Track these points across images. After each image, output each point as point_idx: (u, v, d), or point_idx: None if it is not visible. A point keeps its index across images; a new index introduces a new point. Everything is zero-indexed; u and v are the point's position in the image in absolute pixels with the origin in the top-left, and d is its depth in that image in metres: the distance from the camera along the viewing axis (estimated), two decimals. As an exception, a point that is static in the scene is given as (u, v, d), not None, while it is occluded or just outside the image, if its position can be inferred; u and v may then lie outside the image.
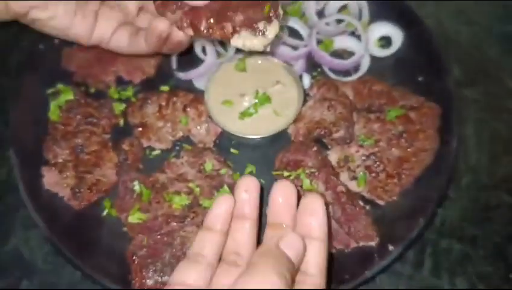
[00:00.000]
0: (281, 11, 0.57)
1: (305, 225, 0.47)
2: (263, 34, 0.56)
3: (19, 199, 0.63)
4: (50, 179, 0.64)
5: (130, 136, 0.68)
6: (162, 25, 0.58)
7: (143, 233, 0.60)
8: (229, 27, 0.56)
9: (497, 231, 0.66)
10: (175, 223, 0.60)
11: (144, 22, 0.64)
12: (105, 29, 0.61)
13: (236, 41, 0.57)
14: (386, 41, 0.78)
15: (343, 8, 0.80)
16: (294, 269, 0.44)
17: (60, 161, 0.65)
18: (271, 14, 0.56)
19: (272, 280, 0.40)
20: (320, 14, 0.79)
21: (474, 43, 0.83)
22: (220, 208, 0.49)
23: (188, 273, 0.46)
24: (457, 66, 0.80)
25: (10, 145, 0.64)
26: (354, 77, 0.74)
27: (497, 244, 0.65)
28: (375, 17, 0.78)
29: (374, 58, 0.76)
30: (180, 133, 0.68)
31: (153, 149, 0.68)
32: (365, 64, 0.75)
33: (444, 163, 0.63)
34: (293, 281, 0.43)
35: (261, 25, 0.56)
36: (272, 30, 0.57)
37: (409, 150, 0.65)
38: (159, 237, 0.59)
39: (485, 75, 0.80)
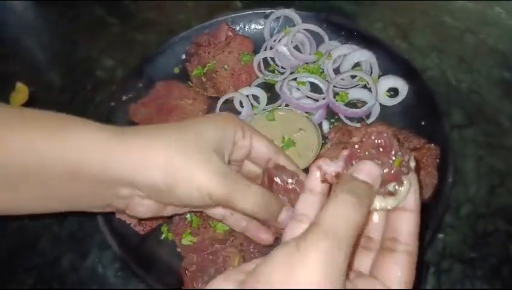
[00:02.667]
0: (412, 164, 0.46)
1: None
2: (393, 194, 0.45)
3: (95, 226, 0.74)
4: (120, 210, 0.78)
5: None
6: (264, 236, 0.66)
7: (193, 252, 0.71)
8: None
9: (494, 253, 0.74)
10: (218, 245, 0.71)
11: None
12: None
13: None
14: (393, 92, 0.88)
15: (356, 65, 0.91)
16: (370, 189, 0.43)
17: (128, 195, 0.79)
18: (402, 169, 0.45)
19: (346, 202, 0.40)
20: (337, 71, 0.91)
21: (474, 88, 0.92)
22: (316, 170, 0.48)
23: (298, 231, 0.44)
24: (458, 109, 0.89)
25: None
26: (367, 122, 0.86)
27: (493, 266, 0.73)
28: (384, 71, 0.89)
29: (383, 107, 0.87)
30: (222, 170, 0.82)
31: (201, 186, 0.81)
32: (376, 111, 0.86)
33: (442, 196, 0.72)
34: (370, 201, 0.43)
35: (390, 187, 0.45)
36: (402, 189, 0.45)
37: (412, 184, 0.76)
38: (205, 256, 0.70)
39: (484, 117, 0.88)
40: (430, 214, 0.72)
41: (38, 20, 1.14)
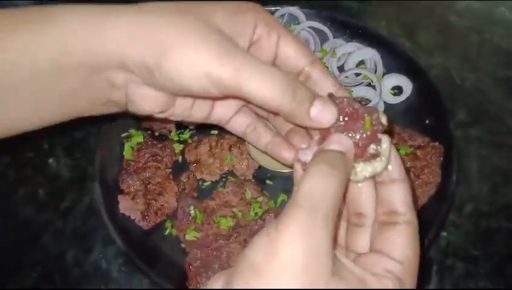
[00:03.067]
0: (383, 119, 0.44)
1: None
2: (377, 156, 0.43)
3: (99, 221, 0.75)
4: (124, 205, 0.75)
5: (187, 170, 0.80)
6: (287, 154, 0.52)
7: (197, 248, 0.71)
8: None
9: (497, 252, 0.74)
10: (222, 241, 0.71)
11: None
12: (222, 115, 0.56)
13: (357, 179, 0.44)
14: (397, 90, 0.88)
15: (360, 63, 0.91)
16: (343, 157, 0.41)
17: (132, 190, 0.77)
18: (375, 128, 0.43)
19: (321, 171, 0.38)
20: (341, 68, 0.91)
21: (478, 87, 0.93)
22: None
23: None
24: (463, 108, 0.89)
25: (95, 179, 0.77)
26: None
27: (496, 264, 0.73)
28: (388, 70, 0.89)
29: (387, 105, 0.87)
30: (226, 168, 0.81)
31: (205, 181, 0.80)
32: (380, 109, 0.86)
33: (445, 193, 0.73)
34: (346, 168, 0.41)
35: (371, 150, 0.43)
36: (384, 146, 0.43)
37: (416, 182, 0.75)
38: (209, 251, 0.71)
39: (488, 116, 0.89)
40: (433, 212, 0.72)
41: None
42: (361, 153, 0.43)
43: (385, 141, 0.43)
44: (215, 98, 0.52)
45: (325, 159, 0.40)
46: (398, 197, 0.42)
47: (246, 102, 0.49)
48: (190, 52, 0.43)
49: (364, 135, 0.43)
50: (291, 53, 0.50)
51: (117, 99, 0.49)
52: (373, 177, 0.44)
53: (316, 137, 0.46)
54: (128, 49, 0.44)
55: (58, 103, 0.47)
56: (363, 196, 0.45)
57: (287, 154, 0.52)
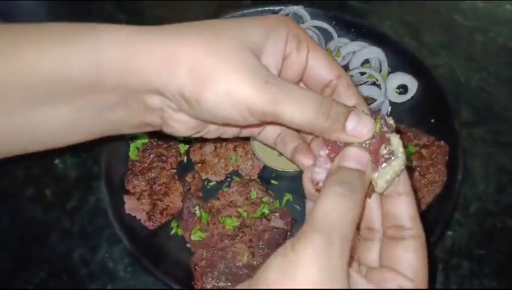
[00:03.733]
0: (390, 121, 0.45)
1: None
2: (391, 156, 0.43)
3: (106, 220, 0.76)
4: (130, 205, 0.76)
5: (192, 170, 0.81)
6: (306, 162, 0.50)
7: (202, 248, 0.72)
8: None
9: (501, 251, 0.74)
10: (227, 241, 0.72)
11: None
12: (254, 130, 0.56)
13: (381, 186, 0.43)
14: (403, 89, 0.88)
15: (365, 62, 0.92)
16: (361, 176, 0.41)
17: (138, 190, 0.78)
18: (383, 130, 0.44)
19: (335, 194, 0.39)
20: (346, 68, 0.91)
21: (483, 87, 0.93)
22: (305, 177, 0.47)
23: None
24: (468, 107, 0.89)
25: (101, 179, 0.77)
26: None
27: (501, 263, 0.73)
28: (393, 69, 0.90)
29: (392, 104, 0.87)
30: (231, 168, 0.81)
31: (210, 181, 0.81)
32: (385, 109, 0.86)
33: (451, 192, 0.73)
34: (363, 187, 0.41)
35: (383, 151, 0.43)
36: (395, 143, 0.43)
37: (422, 181, 0.75)
38: (215, 251, 0.71)
39: (493, 116, 0.89)
40: (439, 211, 0.72)
41: (50, 17, 1.14)
42: (375, 158, 0.43)
43: (394, 138, 0.43)
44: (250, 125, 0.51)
45: (342, 180, 0.40)
46: (404, 211, 0.43)
47: (281, 125, 0.49)
48: (230, 85, 0.43)
49: (373, 140, 0.43)
50: (320, 66, 0.51)
51: (151, 121, 0.50)
52: (394, 178, 0.44)
53: (323, 152, 0.45)
54: (164, 79, 0.44)
55: (96, 116, 0.47)
56: (373, 211, 0.45)
57: (306, 161, 0.51)
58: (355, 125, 0.44)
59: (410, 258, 0.41)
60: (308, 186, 0.47)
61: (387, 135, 0.44)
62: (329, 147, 0.45)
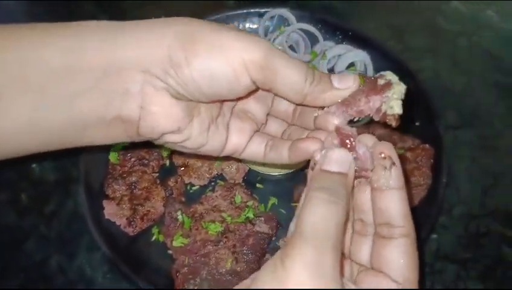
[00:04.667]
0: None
1: None
2: (390, 84, 0.45)
3: (84, 226, 0.73)
4: (110, 210, 0.74)
5: (174, 174, 0.79)
6: (312, 146, 0.48)
7: (184, 254, 0.70)
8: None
9: (487, 254, 0.74)
10: (210, 247, 0.70)
11: (272, 129, 0.58)
12: (239, 140, 0.53)
13: (397, 110, 0.45)
14: (387, 92, 0.89)
15: (350, 65, 0.91)
16: (343, 179, 0.41)
17: (118, 195, 0.75)
18: (368, 78, 0.47)
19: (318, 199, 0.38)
20: (331, 71, 0.91)
21: (468, 90, 0.93)
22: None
23: None
24: (452, 111, 0.89)
25: (80, 183, 0.75)
26: (361, 123, 0.84)
27: (486, 266, 0.73)
28: (378, 72, 0.88)
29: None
30: (215, 172, 0.79)
31: (193, 185, 0.79)
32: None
33: (436, 196, 0.73)
34: (347, 190, 0.41)
35: (381, 82, 0.46)
36: (388, 74, 0.47)
37: (406, 185, 0.75)
38: (197, 257, 0.69)
39: (477, 119, 0.89)
40: (423, 214, 0.72)
41: (30, 18, 1.12)
42: (376, 92, 0.45)
43: (386, 72, 0.47)
44: (238, 97, 0.49)
45: (325, 186, 0.40)
46: (395, 207, 0.41)
47: (272, 92, 0.48)
48: (222, 39, 0.43)
49: (365, 87, 0.46)
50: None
51: (128, 114, 0.46)
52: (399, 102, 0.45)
53: (336, 141, 0.45)
54: (151, 47, 0.43)
55: (66, 106, 0.44)
56: (366, 203, 0.44)
57: (313, 147, 0.48)
58: (340, 79, 0.47)
59: (399, 260, 0.40)
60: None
61: (377, 75, 0.47)
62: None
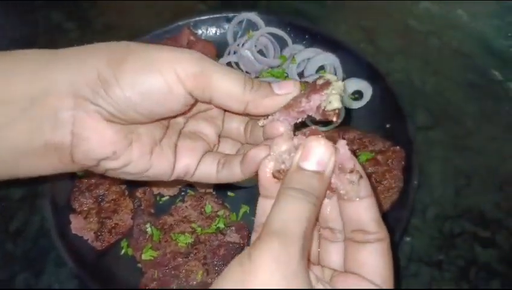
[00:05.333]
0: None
1: None
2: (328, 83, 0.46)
3: (51, 242, 0.71)
4: (76, 225, 0.72)
5: (143, 185, 0.77)
6: (261, 154, 0.46)
7: (154, 268, 0.68)
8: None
9: (461, 255, 0.73)
10: (180, 259, 0.68)
11: (225, 150, 0.57)
12: (189, 161, 0.52)
13: (338, 106, 0.46)
14: (358, 94, 0.87)
15: (320, 69, 0.90)
16: (321, 178, 0.40)
17: (85, 209, 0.73)
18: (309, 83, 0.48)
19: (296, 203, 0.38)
20: (301, 75, 0.90)
21: (439, 90, 0.93)
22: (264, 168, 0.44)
23: None
24: (424, 111, 0.89)
25: (45, 198, 0.73)
26: (332, 126, 0.82)
27: (461, 268, 0.72)
28: (348, 74, 0.89)
29: (348, 110, 0.85)
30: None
31: (163, 195, 0.77)
32: (341, 115, 0.85)
33: (407, 198, 0.72)
34: (322, 188, 0.40)
35: (320, 82, 0.47)
36: (326, 74, 0.50)
37: (378, 188, 0.74)
38: (167, 271, 0.68)
39: (448, 119, 0.89)
40: (396, 217, 0.71)
41: (-6, 28, 1.09)
42: (316, 91, 0.46)
43: (325, 73, 0.49)
44: (177, 112, 0.48)
45: (300, 184, 0.39)
46: (367, 215, 0.41)
47: (212, 103, 0.47)
48: (152, 53, 0.43)
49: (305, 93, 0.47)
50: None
51: (60, 140, 0.44)
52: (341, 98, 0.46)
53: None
54: (80, 70, 0.43)
55: None
56: (333, 211, 0.44)
57: (263, 153, 0.47)
58: (280, 86, 0.47)
59: (375, 263, 0.40)
60: (264, 178, 0.44)
61: (316, 76, 0.48)
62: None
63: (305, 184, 0.40)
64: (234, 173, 0.51)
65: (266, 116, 0.49)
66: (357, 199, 0.41)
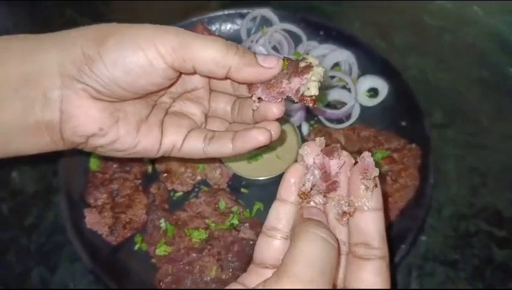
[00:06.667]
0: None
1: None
2: (310, 66, 0.48)
3: (65, 237, 0.72)
4: (91, 219, 0.72)
5: (157, 181, 0.77)
6: (262, 137, 0.51)
7: (168, 263, 0.68)
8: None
9: (476, 255, 0.73)
10: (194, 254, 0.69)
11: (213, 128, 0.58)
12: (175, 137, 0.54)
13: (315, 92, 0.48)
14: (373, 92, 0.87)
15: (335, 66, 0.89)
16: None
17: (99, 203, 0.74)
18: (291, 61, 0.50)
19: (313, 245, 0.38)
20: (315, 71, 0.90)
21: (454, 88, 0.92)
22: (292, 178, 0.44)
23: (269, 248, 0.43)
24: (439, 109, 0.88)
25: (60, 192, 0.74)
26: (347, 124, 0.83)
27: (476, 267, 0.72)
28: (363, 71, 0.88)
29: (363, 107, 0.85)
30: (199, 177, 0.78)
31: (176, 191, 0.77)
32: (356, 112, 0.84)
33: (423, 197, 0.71)
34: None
35: (302, 64, 0.49)
36: (309, 57, 0.50)
37: (393, 186, 0.73)
38: (181, 266, 0.68)
39: (464, 116, 0.88)
40: (412, 216, 0.71)
41: (9, 22, 1.09)
42: (297, 74, 0.48)
43: (307, 56, 0.50)
44: (160, 86, 0.50)
45: (318, 225, 0.40)
46: (374, 228, 0.41)
47: (197, 72, 0.49)
48: (133, 30, 0.45)
49: (287, 69, 0.49)
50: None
51: (50, 118, 0.46)
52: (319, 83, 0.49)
53: (315, 159, 0.44)
54: (66, 49, 0.45)
55: None
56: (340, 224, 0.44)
57: (261, 137, 0.51)
58: (264, 58, 0.49)
59: (375, 282, 0.40)
60: (286, 184, 0.44)
61: (299, 58, 0.50)
62: (321, 152, 0.44)
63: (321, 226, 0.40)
64: (224, 149, 0.54)
65: (256, 99, 0.51)
66: (366, 208, 0.41)
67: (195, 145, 0.55)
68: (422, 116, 0.79)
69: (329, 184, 0.43)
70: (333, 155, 0.43)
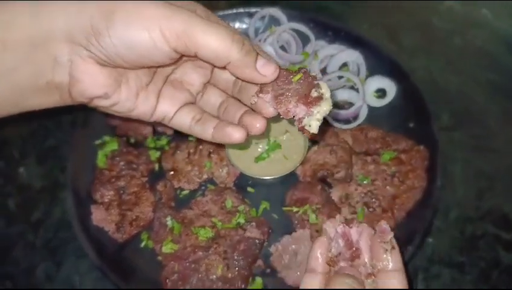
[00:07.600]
0: (313, 74, 0.52)
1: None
2: (320, 98, 0.49)
3: (71, 233, 0.72)
4: (98, 216, 0.73)
5: (163, 178, 0.77)
6: (238, 135, 0.54)
7: (174, 261, 0.69)
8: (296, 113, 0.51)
9: (482, 257, 0.73)
10: (201, 253, 0.69)
11: (211, 99, 0.60)
12: (168, 108, 0.56)
13: (315, 126, 0.50)
14: (381, 92, 0.87)
15: (343, 66, 0.89)
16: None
17: (106, 200, 0.74)
18: (308, 79, 0.51)
19: None
20: (323, 71, 0.89)
21: (461, 90, 0.91)
22: (319, 249, 0.49)
23: None
24: (446, 111, 0.88)
25: (67, 189, 0.74)
26: (354, 124, 0.83)
27: (482, 270, 0.72)
28: (371, 72, 0.87)
29: (371, 108, 0.85)
30: (205, 176, 0.78)
31: (183, 189, 0.77)
32: (363, 113, 0.84)
33: (431, 198, 0.71)
34: None
35: (314, 94, 0.50)
36: (323, 88, 0.50)
37: (401, 188, 0.73)
38: (187, 264, 0.68)
39: (471, 119, 0.87)
40: (418, 217, 0.71)
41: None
42: (306, 100, 0.50)
43: (323, 84, 0.50)
44: (162, 64, 0.51)
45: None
46: (399, 286, 0.46)
47: (197, 58, 0.49)
48: (141, 8, 0.45)
49: (300, 85, 0.50)
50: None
51: (60, 80, 0.49)
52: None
53: (338, 229, 0.50)
54: (75, 17, 0.46)
55: (5, 77, 0.47)
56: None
57: (238, 135, 0.54)
58: (264, 64, 0.50)
59: None
60: (316, 260, 0.49)
61: (316, 82, 0.50)
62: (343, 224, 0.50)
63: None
64: (205, 133, 0.57)
65: (256, 96, 0.52)
66: (387, 269, 0.47)
67: (184, 120, 0.58)
68: (431, 118, 0.79)
69: (353, 252, 0.48)
70: (353, 224, 0.50)
